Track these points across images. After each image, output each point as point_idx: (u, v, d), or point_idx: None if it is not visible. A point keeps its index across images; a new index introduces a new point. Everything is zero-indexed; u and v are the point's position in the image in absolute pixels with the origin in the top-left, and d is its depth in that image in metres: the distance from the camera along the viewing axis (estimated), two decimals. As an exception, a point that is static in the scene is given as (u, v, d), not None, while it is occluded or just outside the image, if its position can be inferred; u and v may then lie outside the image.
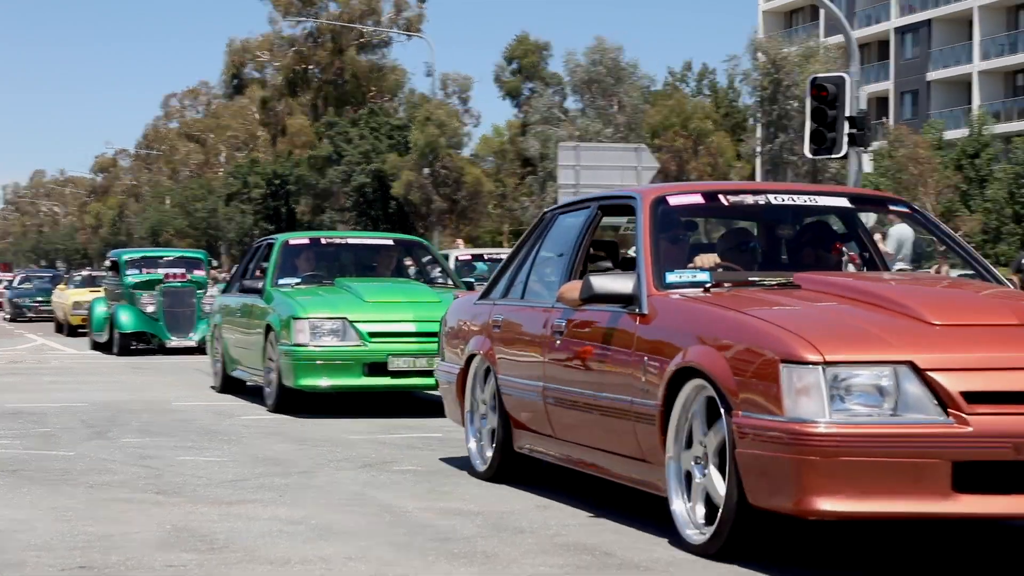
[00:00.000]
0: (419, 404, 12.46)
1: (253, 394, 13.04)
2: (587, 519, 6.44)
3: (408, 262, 14.22)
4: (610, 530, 6.16)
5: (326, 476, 7.88)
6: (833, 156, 21.64)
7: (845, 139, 20.59)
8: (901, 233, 20.61)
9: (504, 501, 6.96)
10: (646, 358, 5.94)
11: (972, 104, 56.86)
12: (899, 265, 21.08)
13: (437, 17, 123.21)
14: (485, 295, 8.04)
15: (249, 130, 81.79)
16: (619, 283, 6.20)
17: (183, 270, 22.67)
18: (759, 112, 47.01)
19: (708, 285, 6.15)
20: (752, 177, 56.93)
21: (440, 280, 13.42)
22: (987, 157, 48.95)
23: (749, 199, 6.90)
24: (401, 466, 8.28)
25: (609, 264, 7.22)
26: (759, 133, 49.02)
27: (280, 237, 13.40)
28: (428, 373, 10.94)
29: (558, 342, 6.80)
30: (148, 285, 21.78)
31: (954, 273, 32.37)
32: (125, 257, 23.60)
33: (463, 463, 8.37)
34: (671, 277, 6.23)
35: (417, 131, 57.21)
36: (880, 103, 61.13)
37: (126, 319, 21.30)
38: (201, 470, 8.09)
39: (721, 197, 6.93)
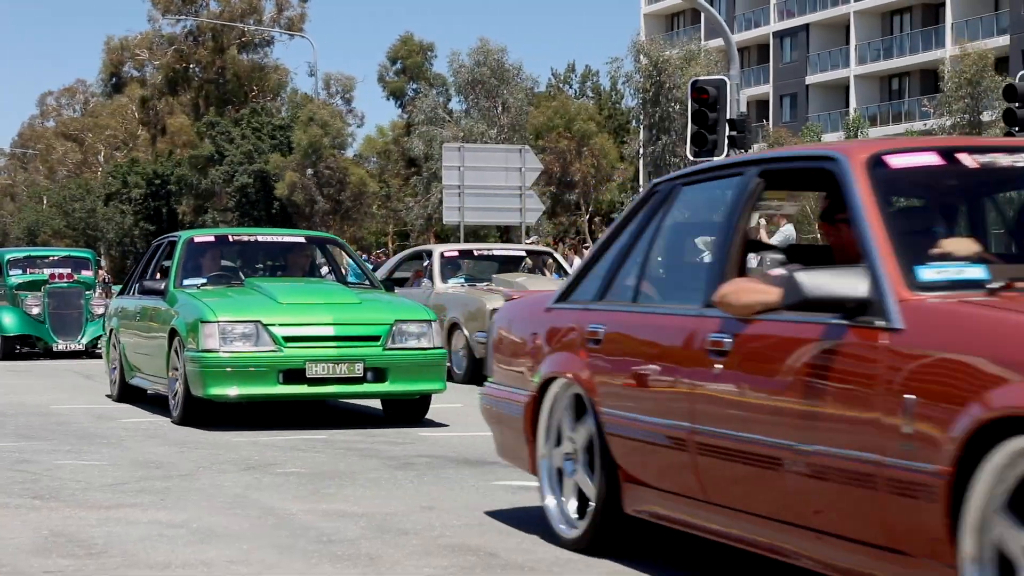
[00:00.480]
0: (306, 408, 12.36)
1: (155, 403, 12.19)
2: (472, 520, 6.44)
3: (321, 261, 13.45)
4: (495, 531, 6.17)
5: (208, 479, 7.80)
6: (714, 158, 21.93)
7: (726, 141, 20.89)
8: (789, 231, 21.07)
9: (388, 502, 6.94)
10: (910, 398, 3.95)
11: (849, 108, 57.95)
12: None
13: (319, 17, 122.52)
14: (565, 296, 6.04)
15: (128, 129, 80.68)
16: (846, 282, 4.26)
17: (69, 270, 21.47)
18: (641, 114, 47.43)
19: (994, 285, 4.17)
20: (636, 180, 57.48)
21: (357, 280, 12.63)
22: (864, 160, 49.82)
23: (1003, 160, 4.78)
24: (284, 468, 8.22)
25: (782, 256, 5.39)
26: (642, 135, 49.47)
27: (183, 234, 12.32)
28: (348, 380, 10.33)
29: (719, 366, 4.82)
30: (33, 286, 20.79)
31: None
32: (8, 257, 22.39)
33: (350, 465, 8.34)
34: (927, 273, 4.24)
35: (300, 131, 56.90)
36: (760, 106, 62.05)
37: (9, 322, 20.26)
38: (80, 474, 7.95)
39: (964, 157, 4.78)
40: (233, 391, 10.20)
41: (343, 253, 13.41)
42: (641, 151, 49.39)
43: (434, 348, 10.58)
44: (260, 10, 72.22)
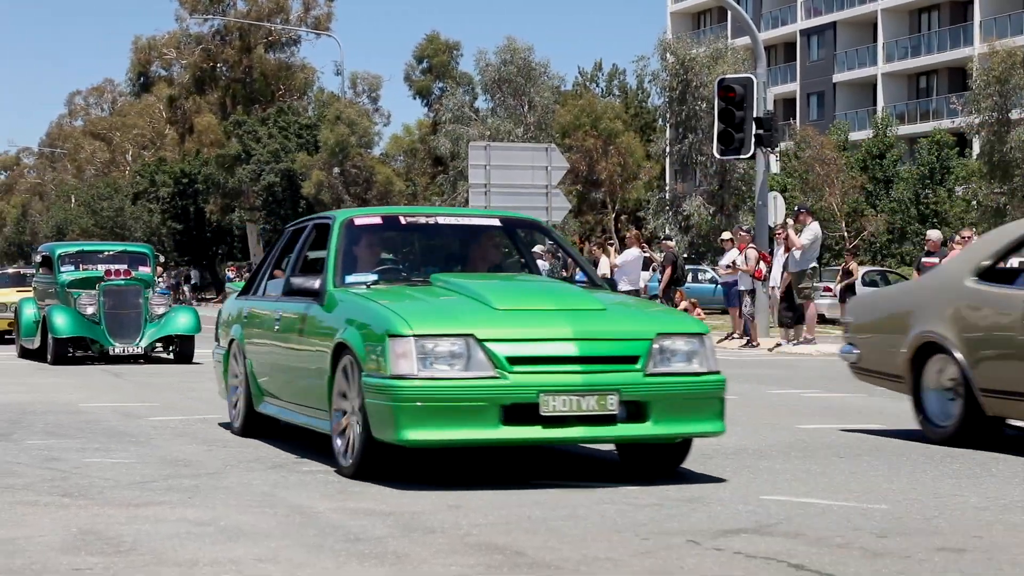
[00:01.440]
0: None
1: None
2: (499, 518, 6.44)
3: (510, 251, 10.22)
4: (521, 529, 6.17)
5: (235, 477, 7.82)
6: (741, 157, 21.94)
7: (752, 140, 20.86)
8: (817, 230, 21.05)
9: (415, 501, 6.95)
10: None
11: (877, 106, 57.74)
12: (811, 263, 21.56)
13: (346, 16, 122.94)
14: None
15: (156, 128, 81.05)
16: None
17: (125, 266, 19.78)
18: (668, 113, 47.38)
19: None
20: (661, 177, 57.39)
21: (579, 278, 9.41)
22: (892, 158, 49.71)
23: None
24: (312, 466, 8.24)
25: None
26: (668, 133, 49.40)
27: (339, 215, 9.22)
28: (597, 419, 7.31)
29: None
30: (86, 283, 19.19)
31: (861, 270, 32.77)
32: (59, 252, 20.48)
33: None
34: None
35: (327, 130, 57.04)
36: (787, 104, 61.89)
37: (61, 322, 18.48)
38: (108, 472, 7.99)
39: None
40: (437, 435, 7.21)
41: (550, 241, 10.28)
42: (667, 150, 49.32)
43: (710, 373, 7.60)
44: (287, 9, 72.42)
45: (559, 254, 26.69)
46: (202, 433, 10.14)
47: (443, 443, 7.29)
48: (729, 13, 55.67)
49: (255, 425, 9.80)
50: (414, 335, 7.28)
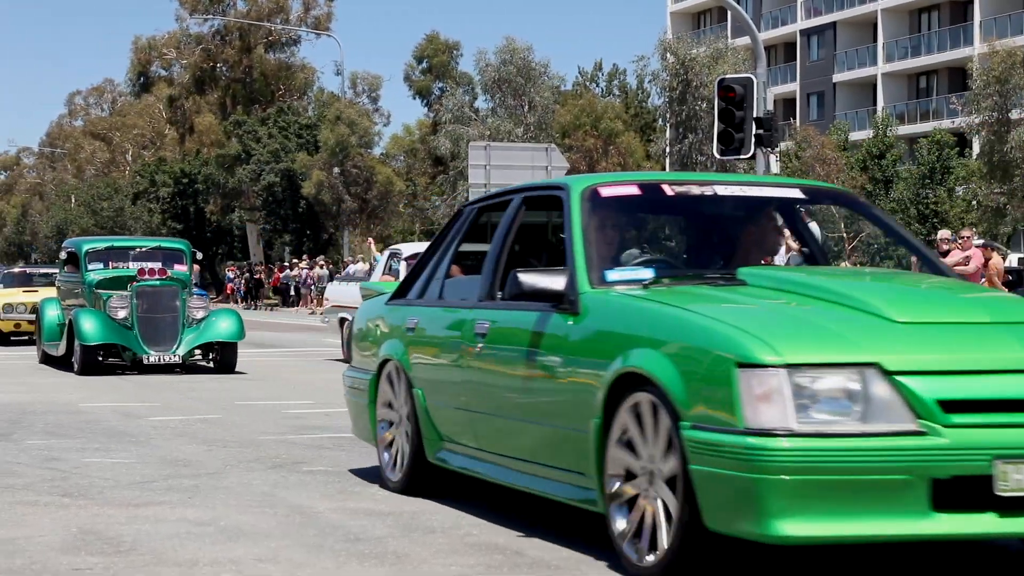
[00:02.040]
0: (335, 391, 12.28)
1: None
2: (498, 519, 6.45)
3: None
4: (521, 529, 6.18)
5: (236, 477, 7.82)
6: (741, 156, 21.91)
7: (752, 140, 20.85)
8: (815, 230, 21.02)
9: (415, 502, 6.96)
10: None
11: (877, 106, 57.75)
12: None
13: (346, 16, 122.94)
14: None
15: (156, 128, 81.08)
16: None
17: (160, 264, 17.60)
18: (668, 112, 47.37)
19: None
20: (661, 177, 57.32)
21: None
22: (892, 158, 49.73)
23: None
24: (312, 467, 8.24)
25: None
26: (668, 133, 49.40)
27: (575, 183, 6.43)
28: None
29: None
30: (117, 283, 17.19)
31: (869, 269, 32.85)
32: (86, 248, 18.30)
33: (377, 463, 8.36)
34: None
35: (327, 130, 57.05)
36: (787, 104, 61.89)
37: (90, 328, 16.40)
38: (108, 472, 7.99)
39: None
40: (828, 529, 4.67)
41: (872, 219, 6.89)
42: (668, 150, 49.30)
43: None
44: (287, 9, 72.42)
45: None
46: (202, 433, 10.15)
47: (837, 540, 4.71)
48: (729, 13, 55.68)
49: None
50: (785, 364, 4.68)
